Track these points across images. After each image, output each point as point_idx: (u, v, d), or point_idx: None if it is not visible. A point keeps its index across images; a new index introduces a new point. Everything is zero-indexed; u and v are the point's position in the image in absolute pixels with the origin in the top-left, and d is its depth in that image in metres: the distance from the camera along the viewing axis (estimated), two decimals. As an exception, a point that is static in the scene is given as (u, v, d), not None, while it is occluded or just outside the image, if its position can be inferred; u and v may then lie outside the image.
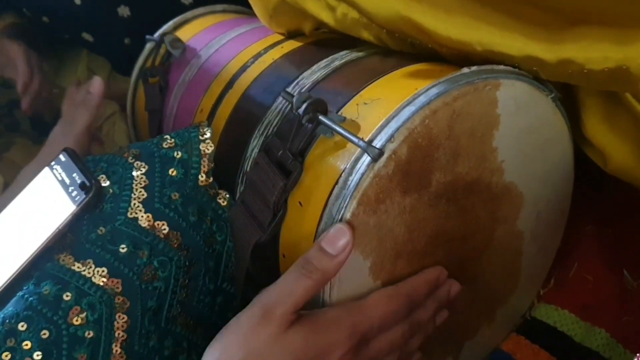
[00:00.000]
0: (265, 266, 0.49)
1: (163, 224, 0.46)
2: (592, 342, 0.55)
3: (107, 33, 0.90)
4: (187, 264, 0.47)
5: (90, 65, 1.02)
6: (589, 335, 0.55)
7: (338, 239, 0.40)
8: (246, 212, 0.47)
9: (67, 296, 0.42)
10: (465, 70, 0.44)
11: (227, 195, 0.50)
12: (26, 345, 0.40)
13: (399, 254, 0.44)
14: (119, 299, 0.43)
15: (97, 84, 0.69)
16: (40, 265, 0.43)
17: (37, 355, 0.40)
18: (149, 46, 0.72)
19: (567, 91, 0.50)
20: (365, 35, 0.52)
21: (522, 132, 0.47)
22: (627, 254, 0.58)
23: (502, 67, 0.45)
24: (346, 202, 0.41)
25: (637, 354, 0.36)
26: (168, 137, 0.50)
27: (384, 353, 0.43)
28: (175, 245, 0.46)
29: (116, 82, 1.01)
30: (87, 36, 0.90)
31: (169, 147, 0.49)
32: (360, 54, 0.53)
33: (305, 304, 0.40)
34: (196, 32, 0.70)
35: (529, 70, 0.46)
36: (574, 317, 0.56)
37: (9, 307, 0.42)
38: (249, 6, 0.60)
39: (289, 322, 0.39)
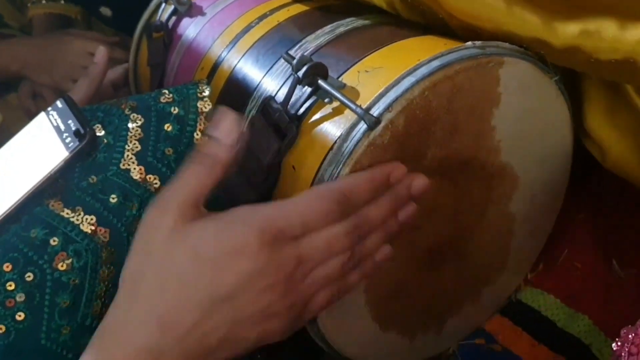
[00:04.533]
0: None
1: (155, 178, 0.46)
2: (575, 328, 0.55)
3: (125, 7, 0.88)
4: (176, 219, 0.46)
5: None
6: (572, 321, 0.55)
7: (222, 122, 0.39)
8: (239, 172, 0.47)
9: (54, 241, 0.42)
10: (470, 44, 0.43)
11: (222, 155, 0.50)
12: (10, 285, 0.40)
13: (388, 225, 0.44)
14: (106, 248, 0.43)
15: (101, 53, 0.64)
16: (30, 209, 0.43)
17: (20, 297, 0.40)
18: (155, 1, 0.71)
19: (571, 80, 0.49)
20: (377, 0, 0.51)
21: (523, 113, 0.47)
22: (617, 245, 0.58)
23: (507, 44, 0.44)
24: (339, 169, 0.40)
25: (616, 339, 0.36)
26: (166, 91, 0.50)
27: (321, 253, 0.38)
28: (166, 200, 0.46)
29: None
30: (105, 10, 0.88)
31: (167, 102, 0.49)
32: (366, 22, 0.52)
33: (204, 196, 0.38)
34: (204, -10, 0.69)
35: (535, 53, 0.45)
36: (559, 302, 0.57)
37: (-4, 248, 0.42)
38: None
39: (188, 215, 0.37)
